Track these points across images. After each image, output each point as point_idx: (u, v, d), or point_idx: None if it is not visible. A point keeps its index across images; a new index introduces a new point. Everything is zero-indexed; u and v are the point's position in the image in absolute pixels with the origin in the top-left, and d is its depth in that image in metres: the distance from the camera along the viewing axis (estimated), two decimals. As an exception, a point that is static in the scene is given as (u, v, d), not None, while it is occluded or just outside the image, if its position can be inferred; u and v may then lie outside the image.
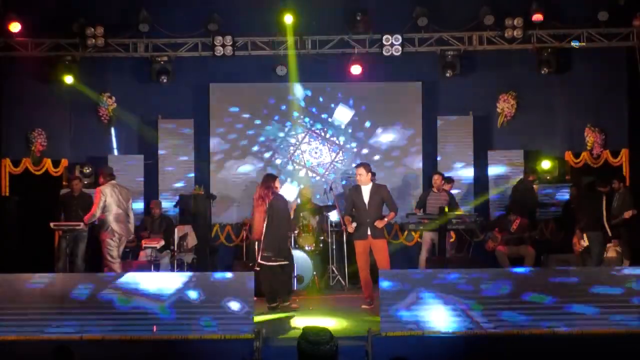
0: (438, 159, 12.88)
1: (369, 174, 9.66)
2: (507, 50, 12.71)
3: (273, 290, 9.48)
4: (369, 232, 9.42)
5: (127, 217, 10.25)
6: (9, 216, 12.19)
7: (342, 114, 12.88)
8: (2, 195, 12.70)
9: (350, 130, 13.05)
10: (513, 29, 12.36)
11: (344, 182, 12.88)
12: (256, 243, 10.30)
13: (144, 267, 10.89)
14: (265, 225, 9.56)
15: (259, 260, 9.57)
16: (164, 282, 7.88)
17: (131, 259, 11.59)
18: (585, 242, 11.28)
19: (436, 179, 11.55)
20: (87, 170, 12.55)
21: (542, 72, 12.58)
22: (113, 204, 10.07)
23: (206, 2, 12.56)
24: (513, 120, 12.91)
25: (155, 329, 7.69)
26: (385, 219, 9.57)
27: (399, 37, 12.39)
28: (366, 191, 9.55)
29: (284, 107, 13.09)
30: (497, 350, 7.45)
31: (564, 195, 12.48)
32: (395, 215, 9.73)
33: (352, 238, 9.76)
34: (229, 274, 8.24)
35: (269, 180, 9.78)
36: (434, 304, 7.78)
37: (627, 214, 10.92)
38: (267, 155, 13.08)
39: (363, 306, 9.41)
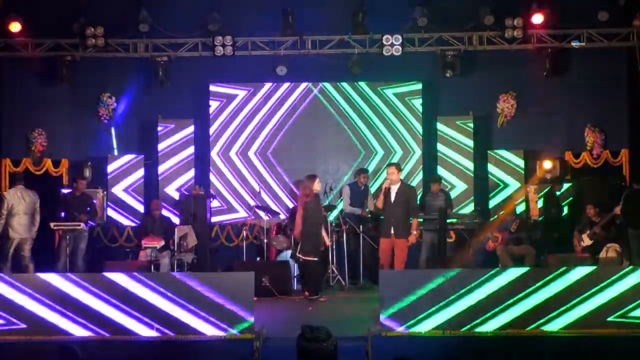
0: (438, 159, 12.89)
1: (399, 172, 10.19)
2: (507, 50, 12.70)
3: (317, 281, 10.30)
4: (392, 231, 9.72)
5: (32, 220, 10.84)
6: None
7: None
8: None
9: (349, 130, 13.06)
10: (513, 29, 12.34)
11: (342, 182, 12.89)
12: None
13: (144, 267, 10.89)
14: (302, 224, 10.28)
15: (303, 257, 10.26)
16: (163, 282, 7.88)
17: (131, 259, 11.59)
18: (584, 242, 11.30)
19: (433, 186, 11.75)
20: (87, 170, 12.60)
21: (542, 72, 12.57)
22: (17, 207, 10.69)
23: (206, 2, 12.56)
24: (513, 120, 12.91)
25: (155, 329, 7.69)
26: (414, 232, 10.03)
27: (399, 37, 12.38)
28: (394, 190, 9.91)
29: (284, 107, 13.09)
30: (497, 350, 7.45)
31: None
32: (416, 221, 10.10)
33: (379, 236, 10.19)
34: (229, 274, 8.24)
35: (306, 182, 10.41)
36: (434, 303, 7.78)
37: (618, 209, 10.99)
38: (267, 154, 13.09)
39: None
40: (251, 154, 13.07)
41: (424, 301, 7.78)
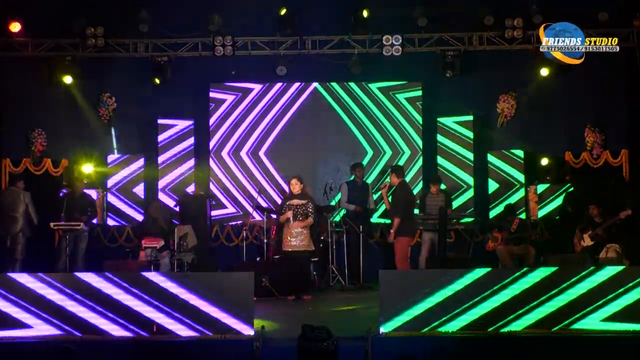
0: (438, 159, 12.89)
1: (393, 174, 10.39)
2: (507, 50, 12.70)
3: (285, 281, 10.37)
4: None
5: (25, 219, 11.33)
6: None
7: None
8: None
9: (349, 130, 13.07)
10: (513, 29, 12.36)
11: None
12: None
13: (144, 267, 10.89)
14: None
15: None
16: (163, 281, 7.88)
17: (131, 259, 11.59)
18: (585, 242, 11.31)
19: (433, 187, 11.78)
20: (86, 168, 12.60)
21: (542, 72, 12.57)
22: (9, 206, 11.28)
23: (206, 2, 12.56)
24: (513, 120, 12.92)
25: (155, 329, 7.69)
26: (391, 231, 10.15)
27: (399, 37, 12.40)
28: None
29: (284, 107, 13.09)
30: (497, 350, 7.46)
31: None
32: (398, 221, 10.11)
33: None
34: (229, 274, 8.24)
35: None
36: (434, 303, 7.78)
37: (624, 214, 10.96)
38: (267, 154, 13.09)
39: None
40: (251, 153, 13.09)
41: (423, 301, 7.78)
